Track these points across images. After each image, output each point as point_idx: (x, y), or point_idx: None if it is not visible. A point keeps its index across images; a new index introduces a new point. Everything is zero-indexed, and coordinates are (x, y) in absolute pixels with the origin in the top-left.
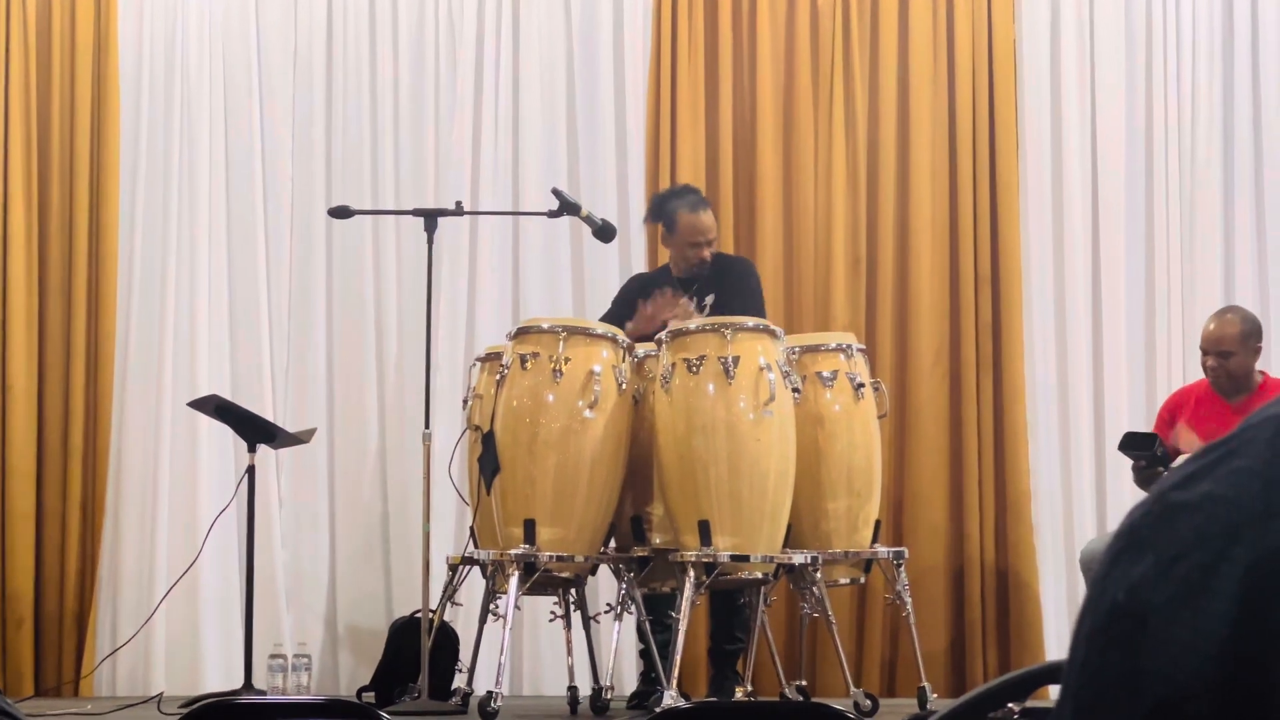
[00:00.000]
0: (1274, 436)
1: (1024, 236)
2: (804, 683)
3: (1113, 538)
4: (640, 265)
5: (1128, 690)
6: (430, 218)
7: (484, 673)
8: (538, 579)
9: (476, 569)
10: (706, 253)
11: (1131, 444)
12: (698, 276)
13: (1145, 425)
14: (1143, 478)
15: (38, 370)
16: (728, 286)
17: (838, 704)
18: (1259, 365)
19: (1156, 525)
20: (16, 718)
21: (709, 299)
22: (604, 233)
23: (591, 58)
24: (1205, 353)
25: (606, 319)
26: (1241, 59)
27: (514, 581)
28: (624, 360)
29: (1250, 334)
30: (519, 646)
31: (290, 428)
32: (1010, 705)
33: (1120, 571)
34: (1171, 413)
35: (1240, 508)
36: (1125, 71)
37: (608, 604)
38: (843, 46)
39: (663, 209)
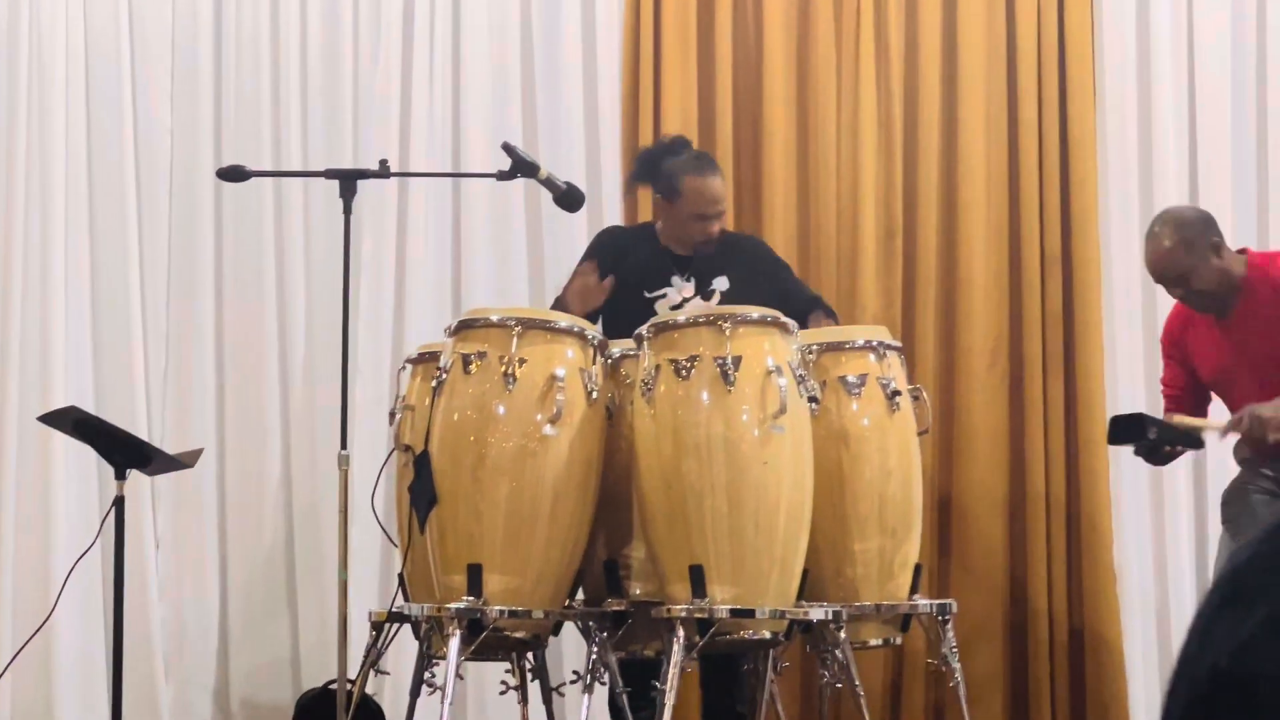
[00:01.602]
0: None
1: (1103, 202)
2: None
3: (1213, 585)
4: None
5: None
6: (348, 181)
7: None
8: (485, 640)
9: (407, 628)
10: (715, 227)
11: (1121, 432)
12: (698, 254)
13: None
14: (1154, 460)
15: None
16: (744, 269)
17: None
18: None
19: (1268, 570)
20: None
21: (718, 283)
22: (568, 199)
23: None
24: (1160, 284)
25: (565, 297)
26: None
27: (455, 644)
28: (595, 362)
29: (1193, 239)
30: None
31: (170, 448)
32: None
33: (1224, 629)
34: (1179, 335)
35: None
36: None
37: (574, 672)
38: None
39: (658, 169)
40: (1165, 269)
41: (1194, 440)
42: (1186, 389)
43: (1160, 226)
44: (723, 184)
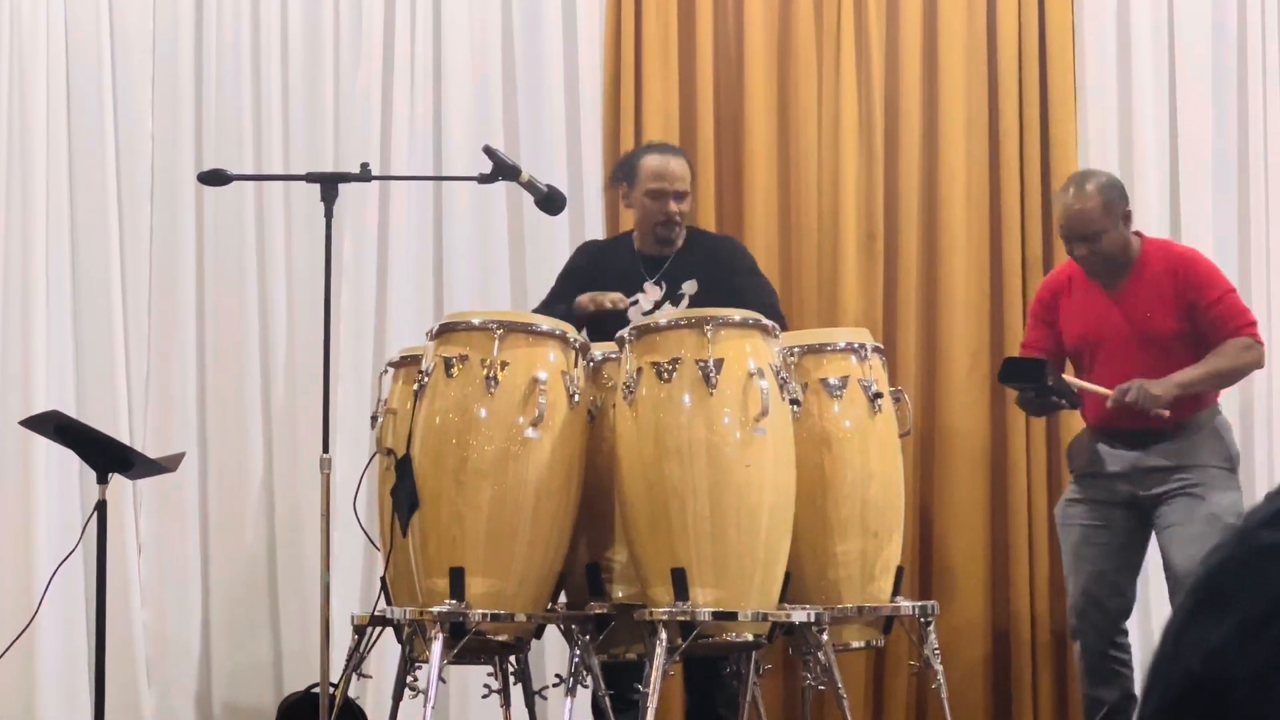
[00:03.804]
0: None
1: None
2: None
3: (1187, 590)
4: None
5: None
6: (329, 184)
7: None
8: (468, 644)
9: (389, 631)
10: (673, 206)
11: (1014, 373)
12: (667, 249)
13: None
14: (1034, 408)
15: None
16: (716, 270)
17: None
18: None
19: (1241, 574)
20: None
21: (686, 287)
22: (550, 202)
23: None
24: (1069, 241)
25: (550, 302)
26: None
27: (437, 647)
28: (577, 365)
29: (1112, 202)
30: None
31: (152, 452)
32: None
33: (1196, 634)
34: (1051, 299)
35: None
36: None
37: (557, 675)
38: None
39: (625, 163)
40: (1082, 225)
41: (1073, 399)
42: (1049, 353)
43: (1082, 183)
44: (683, 166)
